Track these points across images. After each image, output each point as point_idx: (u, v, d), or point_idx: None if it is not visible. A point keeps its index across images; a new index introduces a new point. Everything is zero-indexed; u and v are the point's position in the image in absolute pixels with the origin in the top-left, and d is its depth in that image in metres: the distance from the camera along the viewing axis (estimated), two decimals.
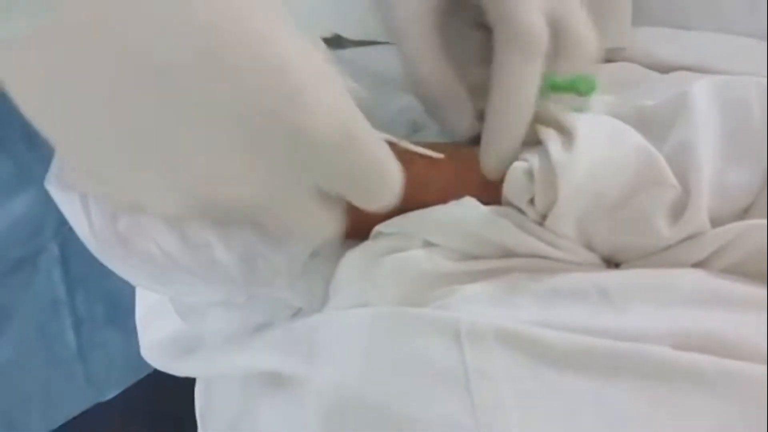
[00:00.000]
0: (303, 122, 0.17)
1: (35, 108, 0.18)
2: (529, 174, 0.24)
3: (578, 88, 0.24)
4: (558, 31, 0.25)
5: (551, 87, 0.25)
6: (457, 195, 0.24)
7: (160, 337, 0.29)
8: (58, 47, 0.17)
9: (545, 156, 0.23)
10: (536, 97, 0.24)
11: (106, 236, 0.24)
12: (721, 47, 0.29)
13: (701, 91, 0.23)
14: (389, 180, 0.21)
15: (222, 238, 0.24)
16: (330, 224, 0.22)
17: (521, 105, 0.24)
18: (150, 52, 0.16)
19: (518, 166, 0.24)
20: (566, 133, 0.24)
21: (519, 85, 0.24)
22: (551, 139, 0.24)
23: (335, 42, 0.34)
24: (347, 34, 0.34)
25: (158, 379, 0.29)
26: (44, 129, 0.19)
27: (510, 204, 0.25)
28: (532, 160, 0.24)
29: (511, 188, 0.24)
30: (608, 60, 0.30)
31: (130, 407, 0.43)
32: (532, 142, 0.25)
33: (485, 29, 0.26)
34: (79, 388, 0.42)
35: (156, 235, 0.24)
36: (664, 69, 0.28)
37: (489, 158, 0.25)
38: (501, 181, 0.25)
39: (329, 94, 0.18)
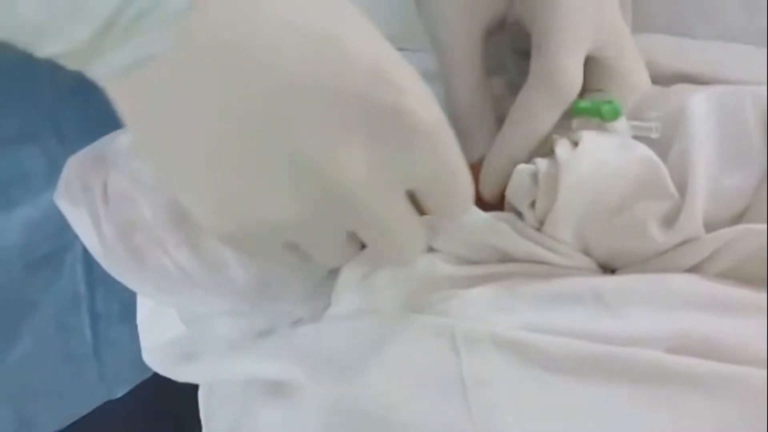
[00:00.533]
0: (405, 105, 0.18)
1: (154, 136, 0.18)
2: (534, 176, 0.24)
3: (602, 113, 0.24)
4: (607, 67, 0.25)
5: (575, 110, 0.25)
6: None
7: (162, 341, 0.30)
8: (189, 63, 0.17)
9: (553, 160, 0.24)
10: (548, 133, 0.24)
11: (118, 250, 0.24)
12: (721, 55, 0.30)
13: (699, 102, 0.24)
14: (463, 185, 0.21)
15: (239, 258, 0.25)
16: (420, 236, 0.21)
17: (530, 139, 0.24)
18: (277, 53, 0.17)
19: (524, 168, 0.24)
20: (573, 143, 0.25)
21: (535, 122, 0.24)
22: (562, 145, 0.24)
23: None
24: None
25: (159, 380, 0.30)
26: (158, 162, 0.19)
27: (511, 208, 0.25)
28: (540, 163, 0.24)
29: (514, 189, 0.25)
30: None
31: (131, 407, 0.43)
32: (545, 154, 0.25)
33: (517, 56, 0.27)
34: (92, 385, 0.43)
35: (172, 249, 0.24)
36: (664, 77, 0.29)
37: (487, 177, 0.25)
38: (502, 194, 0.25)
39: (425, 91, 0.19)
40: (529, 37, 0.25)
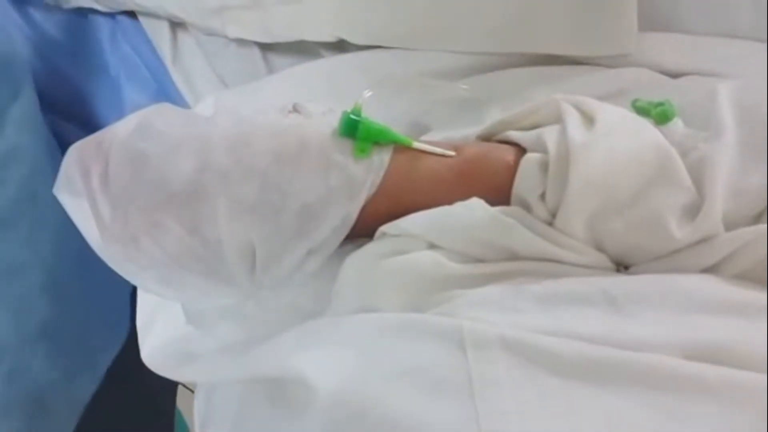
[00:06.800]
0: None
1: None
2: (542, 166, 0.23)
3: (658, 114, 0.24)
4: None
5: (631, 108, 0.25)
6: (463, 192, 0.24)
7: (160, 342, 0.29)
8: None
9: (563, 138, 0.23)
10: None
11: (118, 237, 0.24)
12: (727, 52, 0.29)
13: (723, 94, 0.24)
14: None
15: (233, 236, 0.24)
16: None
17: None
18: None
19: (531, 157, 0.23)
20: (587, 117, 0.24)
21: None
22: (571, 119, 0.23)
23: (339, 46, 0.35)
24: (350, 38, 0.34)
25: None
26: None
27: (520, 200, 0.24)
28: (549, 137, 0.23)
29: (523, 181, 0.24)
30: (615, 65, 0.31)
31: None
32: (535, 126, 0.25)
33: None
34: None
35: (166, 232, 0.24)
36: (671, 74, 0.28)
37: None
38: (510, 177, 0.24)
39: None
40: None
